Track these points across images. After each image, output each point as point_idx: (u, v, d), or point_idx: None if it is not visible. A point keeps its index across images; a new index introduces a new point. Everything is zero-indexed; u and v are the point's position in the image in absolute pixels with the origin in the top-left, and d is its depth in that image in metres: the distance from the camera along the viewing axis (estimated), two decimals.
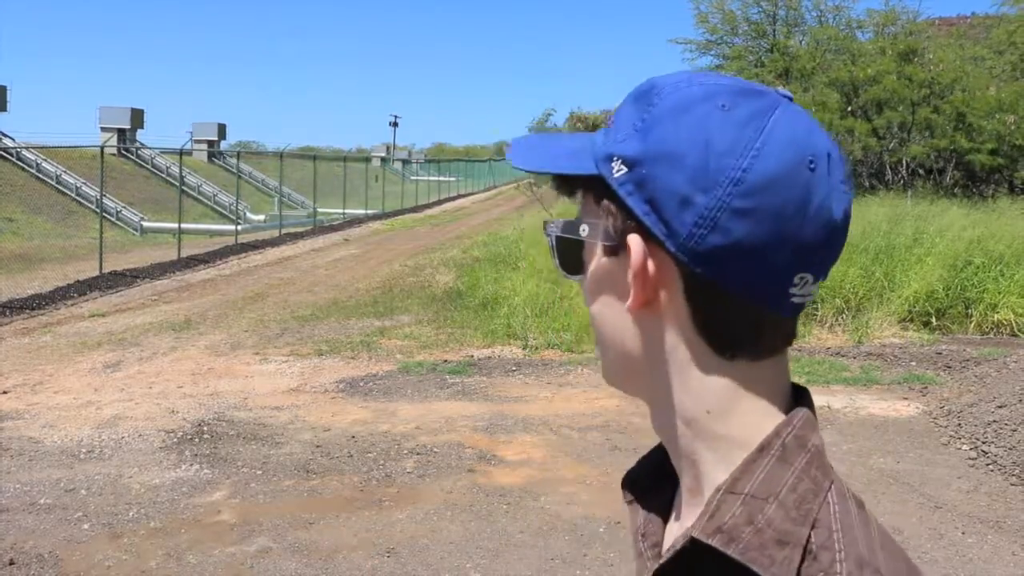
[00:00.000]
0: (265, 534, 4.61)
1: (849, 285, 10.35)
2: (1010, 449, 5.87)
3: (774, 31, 22.41)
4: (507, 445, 6.12)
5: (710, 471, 0.63)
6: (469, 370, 8.21)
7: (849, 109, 19.37)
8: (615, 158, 0.62)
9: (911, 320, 10.36)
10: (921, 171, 20.35)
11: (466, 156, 78.97)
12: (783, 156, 0.58)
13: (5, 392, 7.25)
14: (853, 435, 6.34)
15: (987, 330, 10.18)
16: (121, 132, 30.22)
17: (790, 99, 0.61)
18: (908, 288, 10.38)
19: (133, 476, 5.43)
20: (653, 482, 0.72)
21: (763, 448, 0.60)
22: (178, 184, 21.55)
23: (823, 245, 0.60)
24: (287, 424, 6.52)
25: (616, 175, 0.62)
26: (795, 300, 0.61)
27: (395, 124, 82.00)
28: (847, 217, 0.61)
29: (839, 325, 10.09)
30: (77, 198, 24.78)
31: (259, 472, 5.52)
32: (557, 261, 0.70)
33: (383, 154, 57.79)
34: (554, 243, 0.69)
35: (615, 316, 0.65)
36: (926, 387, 7.77)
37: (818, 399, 6.18)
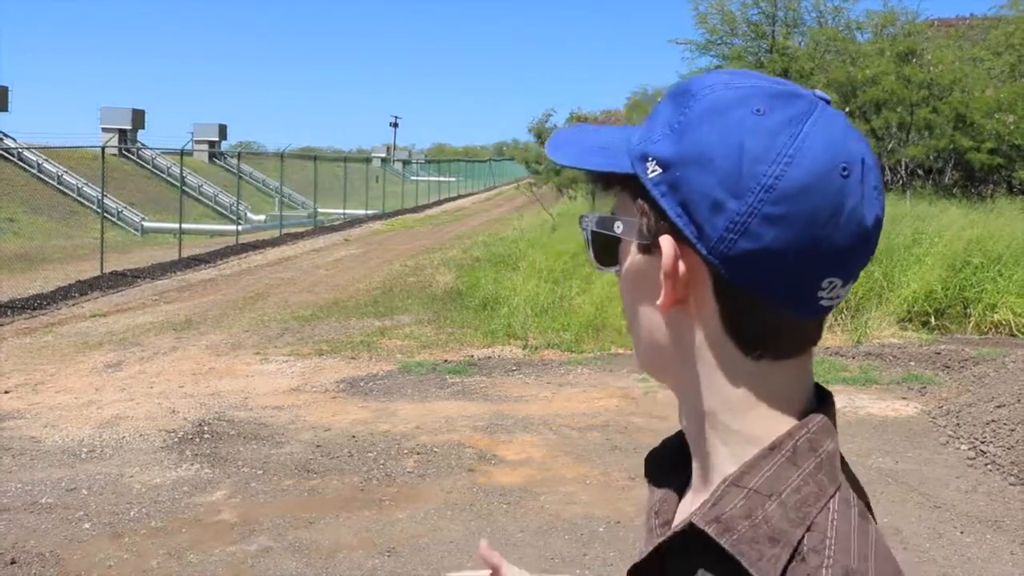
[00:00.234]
0: (265, 533, 4.62)
1: None
2: (1008, 449, 5.89)
3: (773, 32, 22.42)
4: (507, 445, 6.13)
5: (721, 462, 0.64)
6: (469, 370, 8.22)
7: (847, 110, 19.41)
8: (650, 158, 0.62)
9: (910, 320, 10.37)
10: (920, 171, 20.36)
11: (466, 156, 78.95)
12: (816, 163, 0.58)
13: (7, 392, 7.27)
14: (852, 435, 6.35)
15: (986, 330, 10.19)
16: (122, 132, 30.23)
17: (827, 102, 0.61)
18: (907, 288, 10.40)
19: (134, 476, 5.44)
20: (673, 463, 0.74)
21: (774, 447, 0.62)
22: (179, 184, 21.55)
23: (854, 250, 0.60)
24: (287, 424, 6.53)
25: (651, 175, 0.62)
26: (823, 303, 0.62)
27: (395, 124, 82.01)
28: (879, 223, 0.61)
29: (838, 325, 10.10)
30: (78, 198, 24.79)
31: (259, 472, 5.54)
32: (591, 254, 0.71)
33: (383, 154, 57.76)
34: (589, 237, 0.70)
35: (647, 312, 0.67)
36: (925, 387, 7.79)
37: None
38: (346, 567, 4.27)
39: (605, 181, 0.67)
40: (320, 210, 26.86)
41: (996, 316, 10.19)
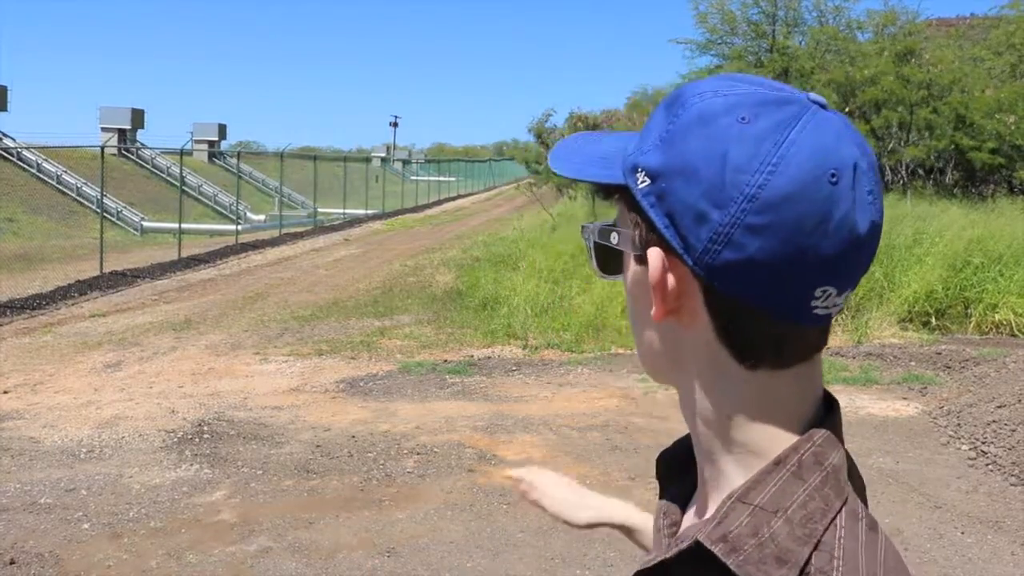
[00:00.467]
0: (265, 534, 4.61)
1: None
2: (1009, 449, 5.88)
3: (773, 31, 22.41)
4: (507, 445, 6.12)
5: (727, 471, 0.64)
6: (469, 370, 8.21)
7: (847, 110, 19.39)
8: (639, 169, 0.62)
9: (911, 320, 10.36)
10: (921, 171, 20.35)
11: (466, 156, 78.96)
12: (801, 171, 0.57)
13: (6, 392, 7.26)
14: (852, 435, 6.34)
15: (987, 330, 10.18)
16: (122, 132, 30.23)
17: (823, 106, 0.60)
18: (908, 288, 10.39)
19: (133, 476, 5.43)
20: (684, 463, 0.73)
21: (779, 462, 0.61)
22: (178, 184, 21.55)
23: (846, 259, 0.59)
24: (287, 424, 6.52)
25: (640, 186, 0.62)
26: (818, 312, 0.60)
27: (395, 124, 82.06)
28: (875, 229, 0.60)
29: (838, 325, 10.09)
30: (78, 198, 24.79)
31: (259, 472, 5.53)
32: (594, 263, 0.71)
33: (383, 154, 57.79)
34: (591, 247, 0.70)
35: (645, 321, 0.66)
36: (925, 387, 7.78)
37: None
38: (346, 567, 4.26)
39: (605, 191, 0.67)
40: (320, 210, 26.86)
41: (997, 316, 10.18)
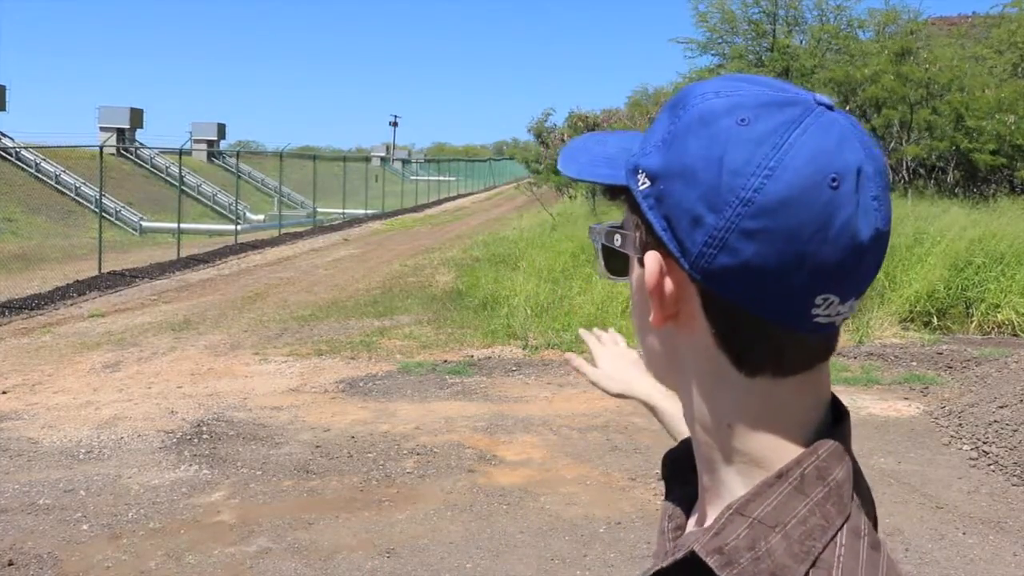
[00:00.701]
0: (265, 534, 4.60)
1: None
2: (1011, 449, 5.86)
3: (774, 30, 22.40)
4: (507, 445, 6.10)
5: (727, 481, 0.63)
6: (469, 370, 8.19)
7: (847, 109, 19.37)
8: (640, 170, 0.61)
9: (912, 320, 10.35)
10: (922, 170, 20.33)
11: (466, 156, 78.95)
12: (799, 175, 0.55)
13: (4, 392, 7.24)
14: (854, 435, 6.22)
15: (988, 330, 10.17)
16: (120, 132, 30.21)
17: (829, 107, 0.58)
18: (909, 288, 10.38)
19: (132, 477, 5.41)
20: (691, 463, 0.72)
21: (781, 475, 0.59)
22: (177, 184, 21.54)
23: (848, 266, 0.57)
24: (287, 424, 6.51)
25: (641, 188, 0.61)
26: (820, 320, 0.58)
27: (395, 124, 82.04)
28: (880, 236, 0.58)
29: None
30: (76, 198, 24.78)
31: (259, 472, 5.51)
32: (601, 264, 0.70)
33: (383, 154, 57.77)
34: (599, 248, 0.70)
35: (646, 324, 0.65)
36: (927, 387, 7.77)
37: None
38: (345, 568, 4.24)
39: (610, 192, 0.66)
40: (319, 210, 26.85)
41: (999, 316, 10.16)
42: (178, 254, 16.25)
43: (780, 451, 0.60)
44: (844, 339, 9.80)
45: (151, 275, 14.40)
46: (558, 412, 6.90)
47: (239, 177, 24.90)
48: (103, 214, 17.32)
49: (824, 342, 0.61)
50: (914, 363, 8.65)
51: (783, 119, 0.57)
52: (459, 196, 45.90)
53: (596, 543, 4.56)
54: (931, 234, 11.61)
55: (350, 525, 4.75)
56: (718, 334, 0.60)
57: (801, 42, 22.66)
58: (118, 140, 29.23)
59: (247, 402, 7.07)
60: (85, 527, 4.67)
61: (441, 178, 47.99)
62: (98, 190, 17.33)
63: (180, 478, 5.40)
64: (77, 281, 12.99)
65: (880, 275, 10.36)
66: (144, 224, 24.13)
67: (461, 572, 4.24)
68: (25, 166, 25.25)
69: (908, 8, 21.14)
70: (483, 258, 15.80)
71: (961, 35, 22.42)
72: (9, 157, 24.77)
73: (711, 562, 0.57)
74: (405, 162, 55.12)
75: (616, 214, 0.69)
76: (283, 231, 22.14)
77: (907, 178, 19.75)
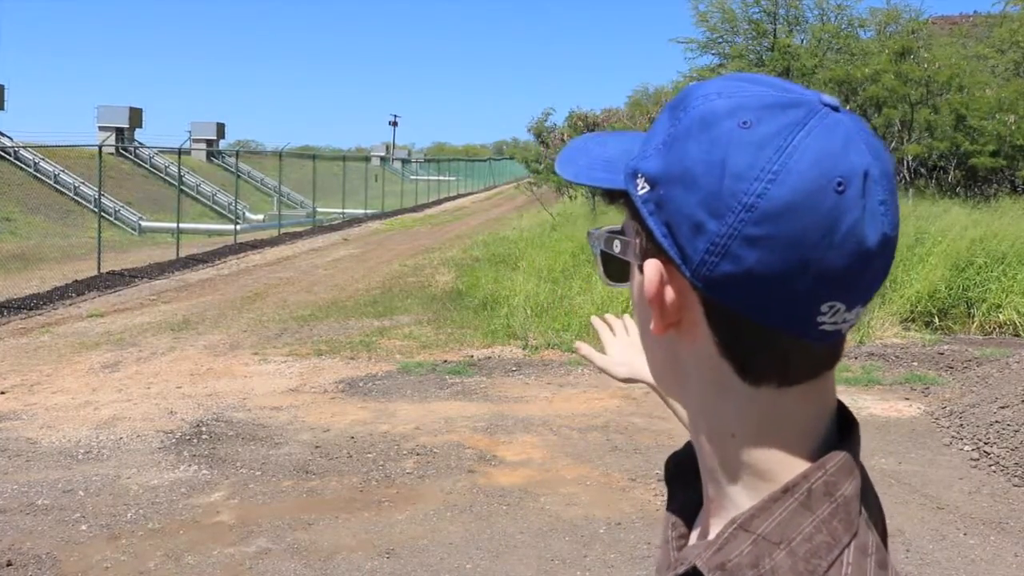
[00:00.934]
0: (264, 535, 4.58)
1: None
2: (1012, 450, 5.85)
3: (775, 30, 22.40)
4: (507, 445, 6.09)
5: (731, 493, 0.61)
6: (469, 370, 8.18)
7: (847, 108, 19.31)
8: (639, 174, 0.59)
9: (913, 320, 10.34)
10: (923, 170, 20.33)
11: (466, 156, 78.94)
12: (804, 179, 0.53)
13: (3, 392, 7.23)
14: None
15: (989, 330, 10.16)
16: (119, 131, 30.16)
17: (835, 108, 0.56)
18: (910, 288, 10.37)
19: (131, 477, 5.40)
20: (695, 468, 0.70)
21: (787, 489, 0.58)
22: (177, 183, 21.53)
23: (854, 273, 0.55)
24: (286, 424, 6.49)
25: (640, 193, 0.59)
26: (826, 328, 0.57)
27: (395, 123, 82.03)
28: (887, 241, 0.56)
29: None
30: (75, 197, 24.75)
31: (258, 473, 5.49)
32: (601, 270, 0.68)
33: (382, 153, 57.74)
34: (597, 253, 0.68)
35: (647, 332, 0.64)
36: (928, 387, 7.75)
37: None
38: (345, 568, 4.23)
39: (609, 196, 0.64)
40: (319, 209, 26.83)
41: (1000, 316, 10.16)
42: (177, 254, 16.23)
43: (786, 462, 0.59)
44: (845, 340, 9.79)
45: (150, 275, 14.38)
46: (558, 412, 6.89)
47: (238, 177, 24.88)
48: (102, 214, 17.31)
49: (830, 350, 0.59)
50: (915, 363, 8.64)
51: (787, 121, 0.55)
52: (459, 196, 45.89)
53: (596, 544, 4.55)
54: (932, 234, 11.61)
55: (350, 525, 4.74)
56: (721, 343, 0.58)
57: (802, 41, 22.66)
58: (117, 139, 29.19)
59: (246, 402, 7.06)
60: (84, 527, 4.66)
61: (441, 178, 47.97)
62: (97, 190, 17.31)
63: (179, 478, 5.39)
64: (76, 281, 12.98)
65: None
66: (143, 224, 24.10)
67: (461, 573, 4.22)
68: (24, 165, 25.21)
69: (909, 7, 21.14)
70: (483, 258, 15.79)
71: (962, 34, 22.42)
72: (8, 156, 24.75)
73: None
74: (405, 162, 55.09)
75: (617, 217, 0.68)
76: (282, 231, 22.12)
77: (908, 178, 19.75)
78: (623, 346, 1.26)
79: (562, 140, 20.73)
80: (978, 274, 10.58)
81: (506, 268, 13.87)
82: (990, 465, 5.78)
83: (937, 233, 11.62)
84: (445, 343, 9.42)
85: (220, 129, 37.46)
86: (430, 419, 6.65)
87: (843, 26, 22.10)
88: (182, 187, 22.42)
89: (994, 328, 10.16)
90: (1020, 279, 10.39)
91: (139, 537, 4.54)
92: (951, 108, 18.70)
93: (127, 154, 30.48)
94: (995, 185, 19.42)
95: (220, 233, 21.83)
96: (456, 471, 5.59)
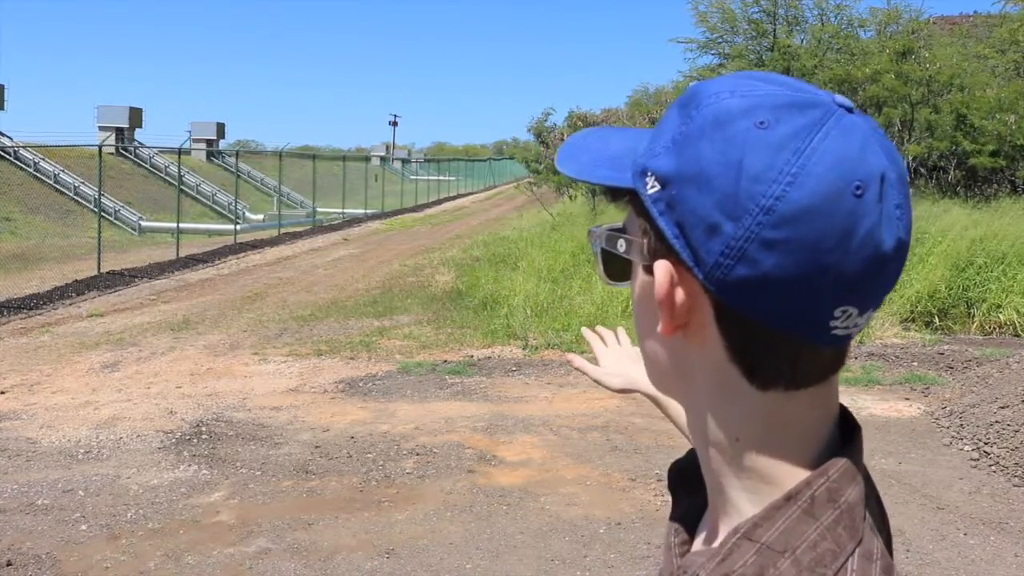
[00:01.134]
0: (264, 535, 4.58)
1: None
2: (1013, 450, 5.85)
3: (774, 30, 22.39)
4: (507, 445, 6.09)
5: (735, 499, 0.60)
6: (469, 370, 8.18)
7: None
8: (649, 173, 0.58)
9: (913, 320, 10.34)
10: (923, 170, 20.32)
11: (466, 156, 78.92)
12: (823, 182, 0.52)
13: (3, 392, 7.22)
14: None
15: (990, 330, 10.15)
16: (119, 131, 30.18)
17: (849, 109, 0.56)
18: (910, 288, 10.37)
19: (131, 477, 5.40)
20: (698, 475, 0.70)
21: (791, 497, 0.57)
22: (177, 183, 21.53)
23: (869, 277, 0.55)
24: (286, 424, 6.49)
25: (650, 192, 0.58)
26: (837, 332, 0.56)
27: (395, 123, 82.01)
28: (902, 246, 0.55)
29: None
30: (75, 197, 24.75)
31: (258, 473, 5.49)
32: (601, 269, 0.67)
33: (382, 153, 57.75)
34: (598, 252, 0.67)
35: (650, 333, 0.63)
36: (928, 388, 7.75)
37: None
38: (345, 568, 4.23)
39: (612, 194, 0.63)
40: (319, 209, 26.83)
41: (1000, 316, 10.15)
42: (177, 254, 16.23)
43: (789, 467, 0.58)
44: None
45: (150, 275, 14.38)
46: (558, 412, 6.89)
47: (238, 176, 24.87)
48: (102, 213, 17.30)
49: (836, 354, 0.59)
50: (915, 363, 8.64)
51: (804, 122, 0.54)
52: (459, 196, 45.88)
53: (596, 544, 4.55)
54: (932, 234, 11.60)
55: (350, 525, 4.74)
56: (730, 346, 0.57)
57: (802, 41, 22.64)
58: (117, 139, 29.19)
59: (246, 402, 7.06)
60: (84, 527, 4.66)
61: (441, 178, 47.96)
62: (97, 189, 17.31)
63: (179, 478, 5.39)
64: (76, 281, 12.98)
65: None
66: (143, 224, 24.11)
67: (461, 573, 4.22)
68: (24, 165, 25.22)
69: (910, 7, 21.11)
70: (483, 258, 15.79)
71: (963, 34, 22.40)
72: (8, 156, 24.74)
73: None
74: (405, 162, 55.09)
75: (618, 215, 0.67)
76: (282, 231, 22.11)
77: (908, 178, 19.73)
78: (616, 357, 1.27)
79: (562, 140, 20.70)
80: (978, 274, 10.58)
81: (506, 268, 13.87)
82: (990, 465, 5.78)
83: (937, 233, 11.61)
84: (445, 343, 9.42)
85: (220, 129, 37.48)
86: (430, 419, 6.65)
87: (843, 26, 22.08)
88: (182, 187, 22.42)
89: (994, 328, 10.15)
90: (1020, 279, 10.39)
91: (139, 537, 4.54)
92: (952, 108, 18.69)
93: (127, 154, 30.48)
94: (995, 185, 19.40)
95: (220, 233, 21.83)
96: (456, 471, 5.58)
